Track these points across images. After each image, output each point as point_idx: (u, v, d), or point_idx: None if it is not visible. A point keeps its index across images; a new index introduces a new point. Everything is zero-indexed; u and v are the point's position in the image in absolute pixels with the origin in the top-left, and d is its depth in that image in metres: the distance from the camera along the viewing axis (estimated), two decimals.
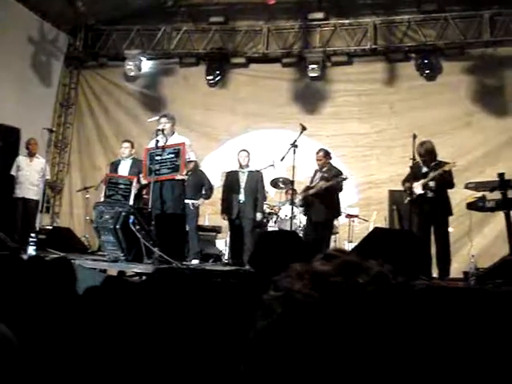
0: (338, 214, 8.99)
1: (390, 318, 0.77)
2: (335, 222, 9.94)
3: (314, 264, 0.84)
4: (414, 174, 7.83)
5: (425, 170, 7.76)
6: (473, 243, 8.72)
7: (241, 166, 9.12)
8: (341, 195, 8.84)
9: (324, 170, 8.68)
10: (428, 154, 7.77)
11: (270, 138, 11.71)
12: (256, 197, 9.00)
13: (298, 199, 8.97)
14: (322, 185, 8.41)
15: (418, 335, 0.78)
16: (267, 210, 9.95)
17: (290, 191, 9.17)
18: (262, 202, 9.23)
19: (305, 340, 0.76)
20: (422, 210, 7.66)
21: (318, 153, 8.79)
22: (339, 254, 0.86)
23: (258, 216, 9.05)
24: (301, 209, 9.13)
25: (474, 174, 9.63)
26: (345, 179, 8.70)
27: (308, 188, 8.83)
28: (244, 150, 9.22)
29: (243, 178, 9.04)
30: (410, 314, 0.79)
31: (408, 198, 7.95)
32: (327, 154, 8.81)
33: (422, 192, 7.63)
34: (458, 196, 8.39)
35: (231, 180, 9.18)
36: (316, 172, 8.82)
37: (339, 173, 8.72)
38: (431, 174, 7.60)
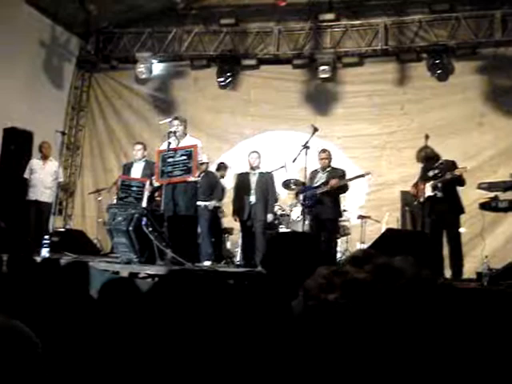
0: (341, 213, 9.04)
1: (440, 321, 0.76)
2: (347, 223, 9.95)
3: (345, 269, 0.83)
4: (423, 176, 7.85)
5: (431, 173, 7.75)
6: (485, 244, 8.67)
7: (251, 168, 9.11)
8: (349, 196, 8.91)
9: (328, 170, 8.66)
10: (428, 159, 7.78)
11: (281, 140, 11.71)
12: (267, 198, 8.99)
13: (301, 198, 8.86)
14: (336, 182, 8.38)
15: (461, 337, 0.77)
16: (279, 212, 9.94)
17: None
18: (273, 203, 9.22)
19: (349, 351, 0.75)
20: (434, 210, 7.65)
21: (323, 152, 8.72)
22: (367, 255, 0.86)
23: (269, 217, 9.02)
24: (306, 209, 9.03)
25: (486, 174, 9.58)
26: (367, 174, 8.79)
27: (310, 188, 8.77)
28: (254, 152, 9.20)
29: (254, 180, 9.03)
30: (453, 315, 0.78)
31: (415, 202, 8.00)
32: (330, 155, 8.83)
33: (432, 194, 7.63)
34: (471, 196, 8.36)
35: (242, 181, 9.18)
36: (316, 172, 8.73)
37: (344, 173, 8.73)
38: (442, 178, 7.57)
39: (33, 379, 1.06)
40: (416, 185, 8.04)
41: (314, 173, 8.74)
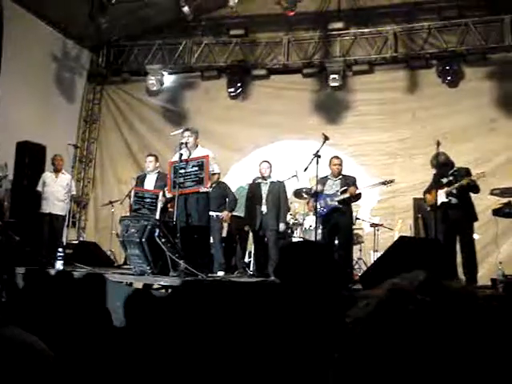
0: (353, 221, 8.98)
1: None
2: (360, 231, 9.93)
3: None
4: (436, 183, 7.79)
5: (445, 180, 7.68)
6: (500, 250, 8.62)
7: (263, 177, 9.08)
8: (362, 204, 8.86)
9: (340, 177, 8.49)
10: (442, 166, 7.70)
11: (292, 149, 11.71)
12: (278, 207, 8.93)
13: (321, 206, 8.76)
14: (355, 190, 8.28)
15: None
16: (291, 221, 9.91)
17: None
18: (285, 212, 9.15)
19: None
20: (447, 217, 7.58)
21: (336, 158, 8.51)
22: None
23: (281, 227, 8.94)
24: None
25: (499, 179, 9.52)
26: (392, 181, 8.76)
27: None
28: (265, 161, 9.14)
29: (265, 189, 8.97)
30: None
31: (428, 209, 7.94)
32: (342, 162, 8.68)
33: (446, 200, 7.56)
34: (484, 202, 8.32)
35: (253, 191, 9.15)
36: (326, 179, 8.48)
37: (355, 180, 8.60)
38: (457, 184, 7.49)
39: None
40: (429, 191, 7.98)
41: (324, 179, 8.45)
